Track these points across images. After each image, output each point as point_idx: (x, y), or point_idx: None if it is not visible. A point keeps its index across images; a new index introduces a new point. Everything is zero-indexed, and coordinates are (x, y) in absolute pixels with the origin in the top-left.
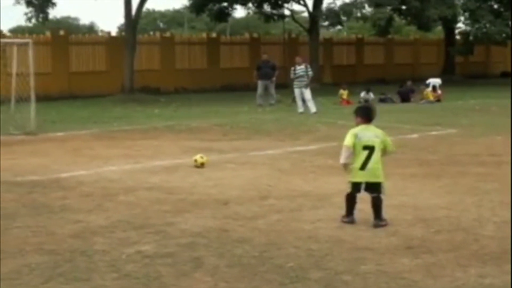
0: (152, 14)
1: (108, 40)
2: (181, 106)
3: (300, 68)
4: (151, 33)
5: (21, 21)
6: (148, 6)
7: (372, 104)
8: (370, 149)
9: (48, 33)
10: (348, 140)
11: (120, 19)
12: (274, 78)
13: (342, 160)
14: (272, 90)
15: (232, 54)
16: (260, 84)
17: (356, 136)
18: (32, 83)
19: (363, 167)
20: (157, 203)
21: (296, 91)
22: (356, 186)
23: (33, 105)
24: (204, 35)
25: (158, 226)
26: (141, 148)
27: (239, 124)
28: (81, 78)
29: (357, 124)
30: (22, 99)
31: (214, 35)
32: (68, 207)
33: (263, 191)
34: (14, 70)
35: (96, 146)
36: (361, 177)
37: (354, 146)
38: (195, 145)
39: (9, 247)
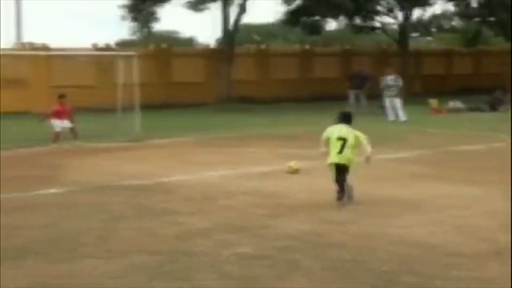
0: (248, 27)
1: (207, 53)
2: (275, 114)
3: (390, 78)
4: (247, 45)
5: (126, 35)
6: (244, 20)
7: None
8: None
9: (151, 46)
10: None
11: (218, 33)
12: (365, 89)
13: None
14: (363, 100)
15: (324, 64)
16: (351, 94)
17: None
18: (137, 93)
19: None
20: (254, 206)
21: (387, 101)
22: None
23: (137, 113)
24: (297, 47)
25: (255, 229)
26: (239, 155)
27: None
28: (182, 88)
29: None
30: (127, 108)
31: (307, 46)
32: (170, 210)
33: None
34: (120, 81)
35: (196, 152)
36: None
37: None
38: (288, 152)
39: (116, 247)
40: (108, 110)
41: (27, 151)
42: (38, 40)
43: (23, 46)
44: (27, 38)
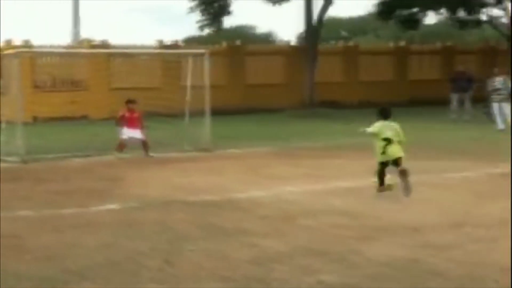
0: (334, 21)
1: (287, 50)
2: (364, 121)
3: (499, 80)
4: (333, 42)
5: (194, 31)
6: (330, 13)
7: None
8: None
9: (223, 43)
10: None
11: (300, 28)
12: (471, 92)
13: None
14: (468, 104)
15: (422, 64)
16: (454, 97)
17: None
18: (207, 96)
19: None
20: (339, 228)
21: (494, 106)
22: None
23: (207, 119)
24: (390, 44)
25: (341, 253)
26: (322, 167)
27: (430, 142)
28: (258, 91)
29: None
30: (196, 114)
31: (402, 43)
32: (244, 230)
33: (458, 217)
34: (188, 83)
35: (274, 165)
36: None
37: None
38: None
39: (183, 272)
40: (174, 115)
41: (84, 161)
42: (96, 36)
43: (80, 43)
44: (84, 34)
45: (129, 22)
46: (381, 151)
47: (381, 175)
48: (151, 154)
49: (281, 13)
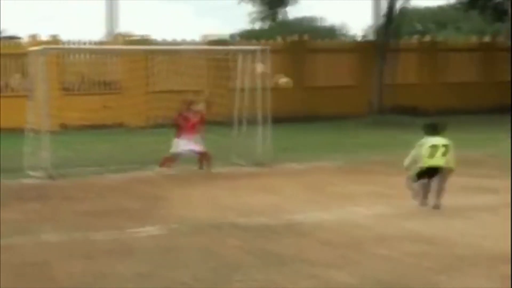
0: (407, 13)
1: (354, 47)
2: (446, 131)
3: None
4: (406, 37)
5: (243, 24)
6: (403, 3)
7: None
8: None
9: (279, 38)
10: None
11: (369, 20)
12: None
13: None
14: None
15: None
16: None
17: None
18: (264, 101)
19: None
20: (415, 256)
21: None
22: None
23: (261, 128)
24: (474, 39)
25: (419, 287)
26: (395, 185)
27: None
28: (320, 94)
29: None
30: (249, 121)
31: (488, 39)
32: (303, 258)
33: None
34: (238, 85)
35: (338, 182)
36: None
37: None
38: (463, 182)
39: None
40: (223, 123)
41: (119, 176)
42: (133, 31)
43: (115, 39)
44: (119, 28)
45: (169, 14)
46: (427, 154)
47: (424, 187)
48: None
49: (347, 3)
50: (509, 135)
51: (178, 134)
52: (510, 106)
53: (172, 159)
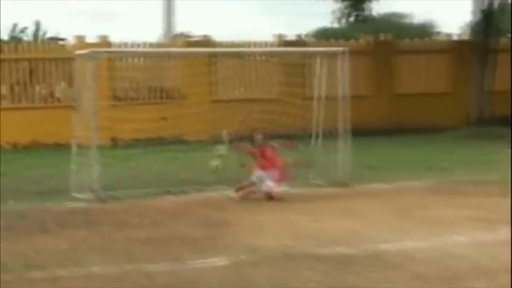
0: (505, 8)
1: (449, 47)
2: None
3: None
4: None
5: (318, 22)
6: None
7: None
8: None
9: (363, 38)
10: None
11: (464, 17)
12: None
13: None
14: None
15: None
16: None
17: None
18: (345, 110)
19: None
20: None
21: None
22: None
23: (343, 142)
24: None
25: None
26: (497, 208)
27: None
28: (408, 102)
29: None
30: (327, 134)
31: None
32: None
33: None
34: (316, 92)
35: (431, 205)
36: None
37: None
38: None
39: None
40: (297, 136)
41: (179, 199)
42: (193, 31)
43: (174, 40)
44: (178, 28)
45: (231, 12)
46: None
47: None
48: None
49: None
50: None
51: (257, 164)
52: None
53: (251, 188)
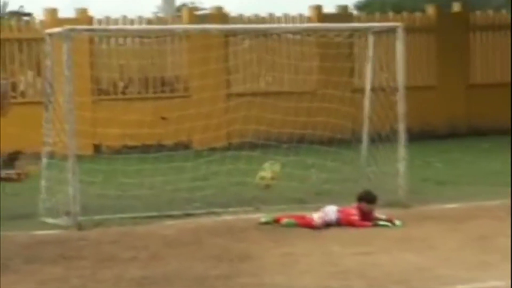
0: None
1: None
2: None
3: None
4: None
5: None
6: None
7: None
8: None
9: (429, 10)
10: None
11: None
12: None
13: None
14: None
15: None
16: None
17: None
18: (403, 107)
19: None
20: None
21: None
22: None
23: (401, 149)
24: None
25: None
26: None
27: None
28: (487, 96)
29: None
30: (381, 138)
31: None
32: None
33: None
34: (368, 83)
35: None
36: None
37: None
38: None
39: None
40: (343, 141)
41: (183, 224)
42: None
43: (176, 14)
44: None
45: None
46: None
47: None
48: None
49: None
50: None
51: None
52: None
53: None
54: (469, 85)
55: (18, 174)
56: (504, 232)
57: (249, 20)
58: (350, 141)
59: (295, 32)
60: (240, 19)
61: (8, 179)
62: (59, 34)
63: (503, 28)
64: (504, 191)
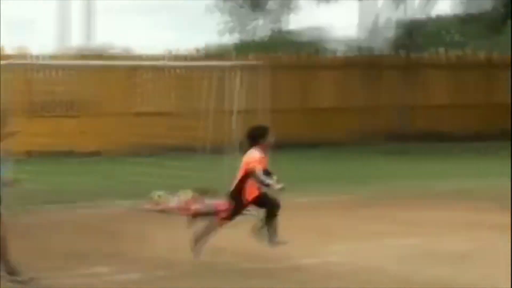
0: (433, 21)
1: (368, 62)
2: (481, 158)
3: None
4: (433, 50)
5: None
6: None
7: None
8: None
9: (281, 54)
10: None
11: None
12: None
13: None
14: None
15: None
16: None
17: None
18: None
19: None
20: None
21: None
22: None
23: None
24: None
25: None
26: (418, 223)
27: None
28: (326, 116)
29: None
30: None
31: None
32: None
33: None
34: (235, 106)
35: (349, 218)
36: None
37: None
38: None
39: None
40: (192, 149)
41: (94, 212)
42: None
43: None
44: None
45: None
46: None
47: None
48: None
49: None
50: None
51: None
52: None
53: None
54: (303, 109)
55: None
56: (335, 217)
57: (147, 58)
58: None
59: (185, 66)
60: (140, 57)
61: None
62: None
63: (340, 68)
64: (336, 188)
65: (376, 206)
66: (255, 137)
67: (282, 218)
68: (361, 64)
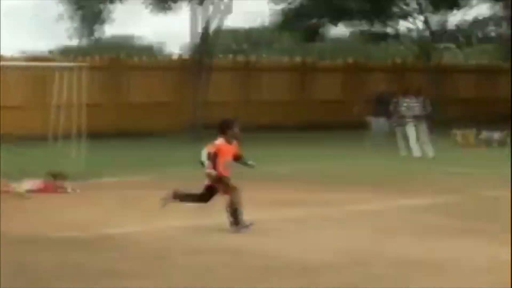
0: (222, 32)
1: (170, 64)
2: (259, 147)
3: (409, 101)
4: (221, 56)
5: (63, 40)
6: (220, 23)
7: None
8: None
9: (98, 56)
10: None
11: (187, 39)
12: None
13: None
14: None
15: (324, 83)
16: (375, 122)
17: None
18: (81, 116)
19: None
20: (224, 268)
21: (406, 130)
22: None
23: (80, 143)
24: (287, 59)
25: None
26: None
27: (333, 171)
28: (138, 111)
29: None
30: (66, 137)
31: (300, 59)
32: (115, 271)
33: (360, 255)
34: (56, 101)
35: (152, 196)
36: None
37: None
38: (277, 197)
39: None
40: (38, 138)
41: None
42: None
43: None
44: None
45: None
46: None
47: None
48: None
49: (166, 22)
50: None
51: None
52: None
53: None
54: (120, 104)
55: None
56: (142, 195)
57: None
58: (43, 137)
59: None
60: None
61: None
62: None
63: (148, 69)
64: (143, 171)
65: (173, 186)
66: (222, 127)
67: (94, 194)
68: (168, 66)
